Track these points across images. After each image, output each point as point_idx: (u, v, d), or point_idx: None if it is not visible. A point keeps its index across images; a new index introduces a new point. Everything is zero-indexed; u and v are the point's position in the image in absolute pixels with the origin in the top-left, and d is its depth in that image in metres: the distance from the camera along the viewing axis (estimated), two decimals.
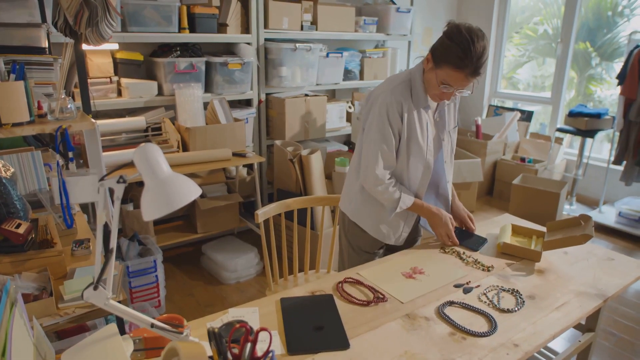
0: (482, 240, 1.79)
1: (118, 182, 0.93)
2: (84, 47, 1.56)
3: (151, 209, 0.92)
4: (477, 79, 1.52)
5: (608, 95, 4.65)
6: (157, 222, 3.08)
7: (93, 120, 1.33)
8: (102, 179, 0.94)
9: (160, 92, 3.00)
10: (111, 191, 0.96)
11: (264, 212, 1.93)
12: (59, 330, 1.85)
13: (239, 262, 3.02)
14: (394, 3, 4.08)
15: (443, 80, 1.53)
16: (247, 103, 3.48)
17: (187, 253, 3.40)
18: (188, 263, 3.26)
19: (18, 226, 1.45)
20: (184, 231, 3.15)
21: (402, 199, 1.68)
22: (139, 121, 2.86)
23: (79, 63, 1.54)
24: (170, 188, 0.93)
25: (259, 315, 1.33)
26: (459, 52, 1.46)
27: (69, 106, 1.26)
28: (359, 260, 1.83)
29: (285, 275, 2.11)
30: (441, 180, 1.83)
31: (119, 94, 2.91)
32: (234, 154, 2.98)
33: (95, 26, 1.34)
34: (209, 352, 0.99)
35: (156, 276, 2.62)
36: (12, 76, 1.15)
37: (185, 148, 2.93)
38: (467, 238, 1.80)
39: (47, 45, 1.97)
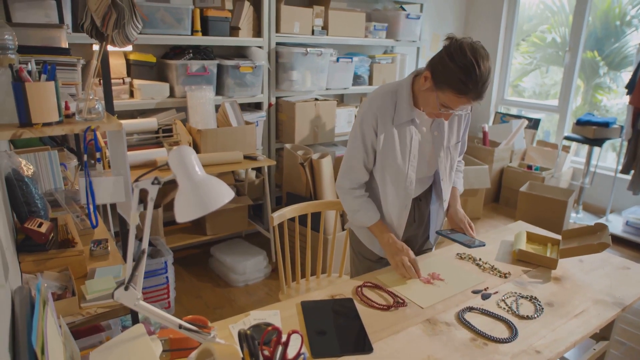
0: (478, 242, 1.66)
1: (153, 183, 0.94)
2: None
3: (185, 211, 0.93)
4: (479, 102, 1.42)
5: (614, 104, 4.67)
6: (166, 224, 3.08)
7: (120, 121, 1.34)
8: (136, 180, 0.95)
9: (172, 93, 3.01)
10: (144, 192, 0.97)
11: (278, 216, 1.94)
12: (73, 329, 1.86)
13: (248, 264, 3.02)
14: (404, 9, 4.10)
15: (443, 103, 1.43)
16: (257, 106, 3.49)
17: (195, 255, 3.41)
18: (196, 265, 3.27)
19: (40, 225, 1.46)
20: (193, 233, 3.16)
21: (361, 213, 1.62)
22: (151, 122, 2.87)
23: (104, 65, 1.55)
24: (205, 190, 0.94)
25: (280, 318, 1.34)
26: (462, 76, 1.34)
27: (96, 107, 1.27)
28: (362, 267, 1.82)
29: (298, 278, 2.12)
30: (433, 198, 1.76)
31: (131, 95, 2.92)
32: (245, 157, 2.99)
33: (122, 28, 1.35)
34: (240, 354, 1.00)
35: (167, 277, 2.62)
36: (44, 76, 1.16)
37: (196, 150, 2.93)
38: (463, 237, 1.69)
39: (67, 46, 1.99)
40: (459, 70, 1.35)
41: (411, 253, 1.58)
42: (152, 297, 2.61)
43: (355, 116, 3.65)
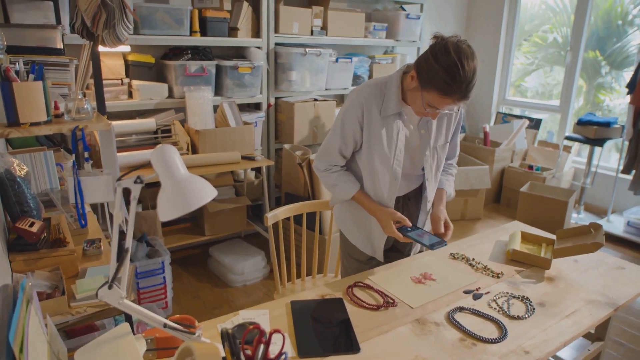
0: (440, 242, 1.53)
1: (135, 182, 0.94)
2: (100, 48, 1.58)
3: (168, 210, 0.93)
4: (465, 102, 1.40)
5: (617, 104, 4.63)
6: (165, 224, 3.09)
7: (109, 121, 1.35)
8: (119, 179, 0.95)
9: (170, 94, 3.02)
10: (128, 192, 0.97)
11: (273, 215, 1.94)
12: (67, 329, 1.86)
13: (246, 265, 3.03)
14: (404, 9, 4.10)
15: (429, 103, 1.42)
16: (257, 107, 3.49)
17: (194, 255, 3.41)
18: (195, 265, 3.27)
19: (31, 225, 1.46)
20: (192, 233, 3.16)
21: (339, 187, 1.64)
22: (149, 123, 2.88)
23: (95, 64, 1.56)
24: (187, 189, 0.94)
25: (269, 317, 1.34)
26: (446, 77, 1.33)
27: (85, 107, 1.27)
28: (351, 268, 1.81)
29: (293, 279, 2.11)
30: (423, 198, 1.72)
31: (130, 95, 2.93)
32: (243, 157, 3.00)
33: (112, 28, 1.36)
34: (222, 353, 1.00)
35: (164, 277, 2.63)
36: (31, 76, 1.17)
37: (194, 150, 2.94)
38: (425, 237, 1.55)
39: (62, 46, 2.00)
40: (443, 71, 1.33)
41: (398, 215, 1.57)
42: (150, 297, 2.62)
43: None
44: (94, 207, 2.74)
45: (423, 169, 1.67)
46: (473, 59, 1.34)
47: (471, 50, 1.35)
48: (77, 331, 1.94)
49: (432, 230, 1.66)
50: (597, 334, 1.73)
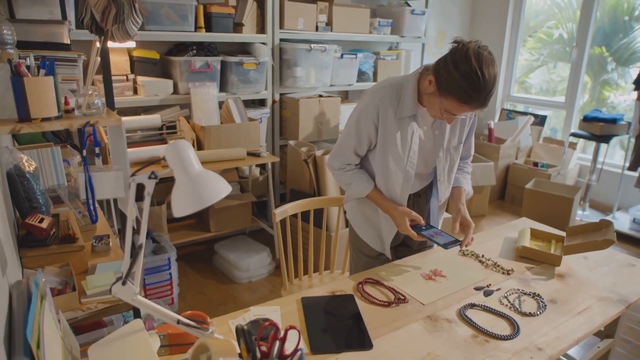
0: (453, 241, 1.55)
1: (150, 178, 0.93)
2: (108, 44, 1.57)
3: (182, 205, 0.92)
4: (483, 109, 1.39)
5: (622, 100, 4.61)
6: (170, 220, 3.09)
7: (124, 117, 1.34)
8: (133, 175, 0.94)
9: (175, 90, 3.01)
10: (141, 187, 0.96)
11: (280, 212, 1.93)
12: (76, 325, 1.86)
13: (252, 261, 3.02)
14: (409, 5, 4.08)
15: (447, 109, 1.41)
16: (261, 103, 3.48)
17: (199, 251, 3.41)
18: (200, 261, 3.27)
19: (41, 221, 1.46)
20: (197, 230, 3.16)
21: (354, 186, 1.64)
22: (155, 119, 2.88)
23: (104, 60, 1.55)
24: (202, 185, 0.93)
25: (280, 314, 1.33)
26: (466, 86, 1.31)
27: (95, 102, 1.27)
28: (360, 264, 1.81)
29: (300, 275, 2.11)
30: (433, 196, 1.73)
31: (135, 91, 2.92)
32: (248, 154, 2.99)
33: (122, 23, 1.35)
34: (237, 349, 0.99)
35: (170, 274, 2.63)
36: (42, 71, 1.16)
37: (199, 147, 2.94)
38: (439, 236, 1.57)
39: (68, 42, 1.99)
40: (463, 80, 1.31)
41: (413, 214, 1.57)
42: (156, 293, 2.62)
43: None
44: (99, 203, 2.74)
45: (435, 168, 1.66)
46: (493, 65, 1.33)
47: (492, 57, 1.33)
48: (85, 327, 1.94)
49: (452, 226, 1.62)
50: (607, 331, 1.72)
